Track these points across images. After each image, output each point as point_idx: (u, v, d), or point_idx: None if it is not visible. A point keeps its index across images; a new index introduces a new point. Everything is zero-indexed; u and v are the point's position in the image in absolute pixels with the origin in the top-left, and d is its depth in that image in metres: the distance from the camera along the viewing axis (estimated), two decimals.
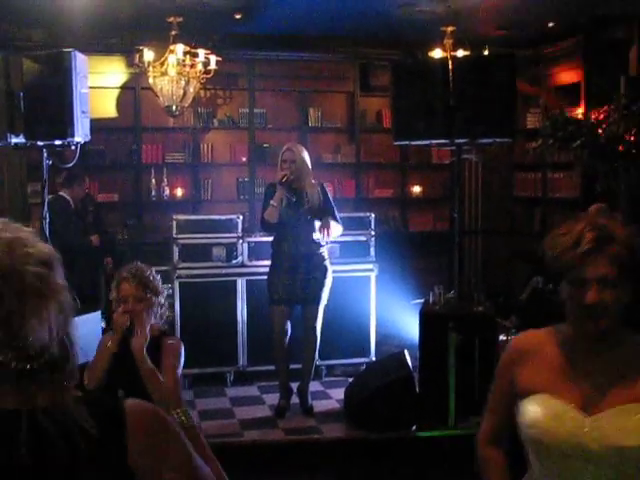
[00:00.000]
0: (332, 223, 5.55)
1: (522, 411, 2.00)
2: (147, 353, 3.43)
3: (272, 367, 5.93)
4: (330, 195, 5.76)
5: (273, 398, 5.89)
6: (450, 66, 5.09)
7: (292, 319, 5.66)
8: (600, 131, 6.13)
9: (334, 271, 5.75)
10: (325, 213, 5.59)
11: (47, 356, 1.36)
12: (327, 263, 5.63)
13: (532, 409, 1.97)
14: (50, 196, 5.54)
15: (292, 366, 5.83)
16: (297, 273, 5.51)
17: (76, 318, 1.46)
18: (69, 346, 1.41)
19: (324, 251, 5.64)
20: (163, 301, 3.62)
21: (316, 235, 5.55)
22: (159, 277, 3.64)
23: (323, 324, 5.69)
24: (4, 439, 1.33)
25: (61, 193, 6.89)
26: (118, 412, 1.43)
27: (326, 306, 5.67)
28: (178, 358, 3.53)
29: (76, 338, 1.44)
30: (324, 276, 5.58)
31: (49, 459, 1.34)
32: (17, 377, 1.34)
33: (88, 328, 4.92)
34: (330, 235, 5.55)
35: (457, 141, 5.18)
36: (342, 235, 5.84)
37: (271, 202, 5.48)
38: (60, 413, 1.37)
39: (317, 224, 5.58)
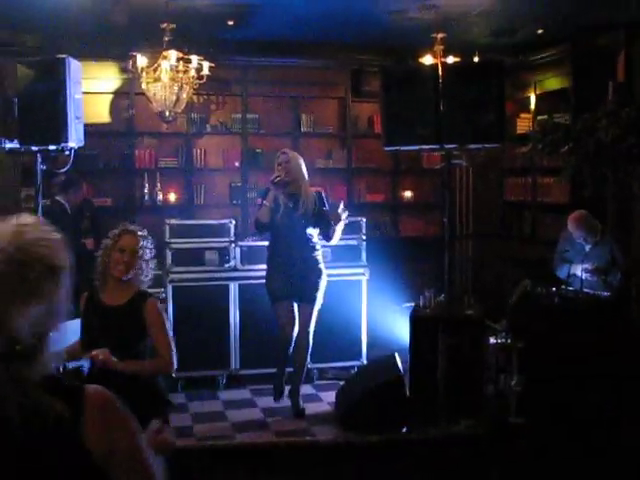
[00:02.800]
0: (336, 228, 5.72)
1: None
2: (132, 309, 3.80)
3: (264, 370, 5.98)
4: (327, 203, 5.82)
5: (265, 401, 5.95)
6: (440, 72, 5.13)
7: (270, 320, 5.72)
8: (588, 137, 6.20)
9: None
10: (321, 220, 5.68)
11: (19, 347, 1.42)
12: (321, 266, 5.71)
13: None
14: (45, 200, 5.58)
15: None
16: (292, 274, 5.59)
17: (70, 321, 1.52)
18: (43, 346, 1.48)
19: (318, 254, 5.71)
20: (152, 264, 3.94)
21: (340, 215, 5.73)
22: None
23: (315, 327, 5.74)
24: None
25: (57, 198, 6.94)
26: (78, 395, 1.49)
27: (318, 309, 5.72)
28: (164, 320, 3.89)
29: (52, 340, 1.50)
30: (318, 277, 5.65)
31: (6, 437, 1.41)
32: None
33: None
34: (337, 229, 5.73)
35: (447, 146, 5.24)
36: None
37: (264, 202, 5.58)
38: (19, 395, 1.42)
39: (311, 231, 5.66)
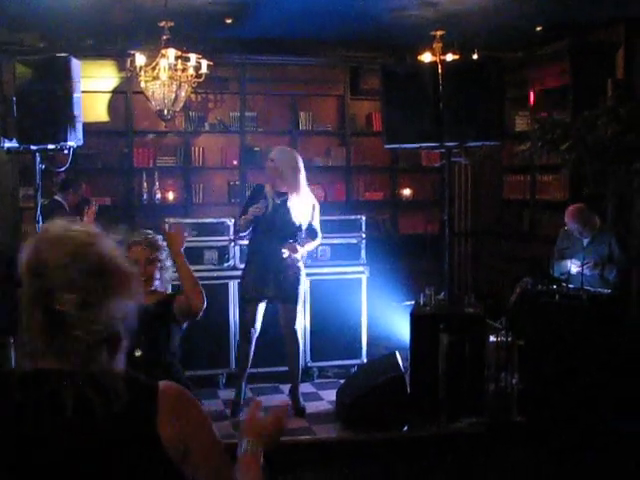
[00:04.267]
0: (308, 245, 5.65)
1: None
2: (159, 311, 3.61)
3: (264, 369, 5.96)
4: (319, 217, 5.75)
5: (266, 399, 5.92)
6: (440, 70, 5.13)
7: (267, 318, 5.69)
8: (588, 134, 6.20)
9: (325, 273, 5.80)
10: (306, 231, 5.64)
11: (106, 333, 1.52)
12: (300, 264, 5.64)
13: None
14: (44, 200, 5.57)
15: (281, 369, 5.89)
16: (268, 271, 5.55)
17: None
18: (125, 328, 1.58)
19: (297, 254, 5.64)
20: (169, 266, 3.78)
21: (285, 253, 5.55)
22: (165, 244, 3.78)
23: (315, 326, 5.73)
24: (50, 396, 1.47)
25: (56, 197, 6.93)
26: (152, 390, 1.55)
27: (318, 308, 5.71)
28: None
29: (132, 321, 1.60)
30: (296, 274, 5.59)
31: (87, 416, 1.47)
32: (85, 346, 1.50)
33: None
34: (295, 254, 5.59)
35: (447, 144, 5.23)
36: (333, 238, 5.88)
37: (250, 209, 5.51)
38: (101, 379, 1.49)
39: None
